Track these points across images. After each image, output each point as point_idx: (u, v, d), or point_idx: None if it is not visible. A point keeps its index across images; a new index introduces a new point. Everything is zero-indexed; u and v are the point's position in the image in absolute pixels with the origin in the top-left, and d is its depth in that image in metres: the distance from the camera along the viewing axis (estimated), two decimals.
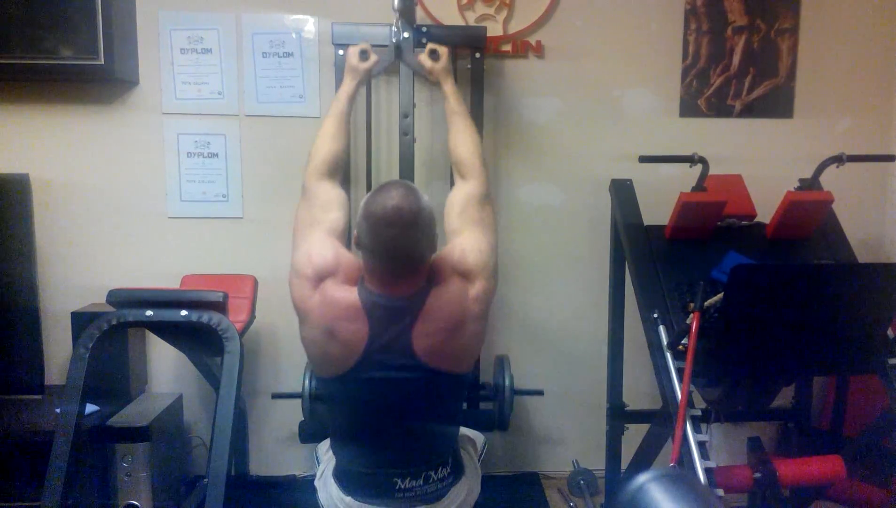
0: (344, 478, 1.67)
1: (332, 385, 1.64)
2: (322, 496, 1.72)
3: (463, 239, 1.68)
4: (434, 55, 2.13)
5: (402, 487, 1.61)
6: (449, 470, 1.67)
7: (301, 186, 1.84)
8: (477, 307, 1.61)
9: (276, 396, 2.38)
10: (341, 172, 1.90)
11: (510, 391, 2.15)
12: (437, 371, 1.57)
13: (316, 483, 1.78)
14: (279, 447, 2.64)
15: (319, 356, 1.62)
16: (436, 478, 1.64)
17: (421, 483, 1.62)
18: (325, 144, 1.87)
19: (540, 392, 2.34)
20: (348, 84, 2.04)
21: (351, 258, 1.64)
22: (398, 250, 1.52)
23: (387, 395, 1.59)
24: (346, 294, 1.56)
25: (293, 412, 2.29)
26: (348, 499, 1.64)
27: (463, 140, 1.92)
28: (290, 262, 1.68)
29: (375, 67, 2.11)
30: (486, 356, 2.50)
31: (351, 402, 1.64)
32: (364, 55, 2.07)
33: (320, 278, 1.59)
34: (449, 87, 2.06)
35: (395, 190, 1.53)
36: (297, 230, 1.74)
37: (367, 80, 2.15)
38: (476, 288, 1.61)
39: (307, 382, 2.10)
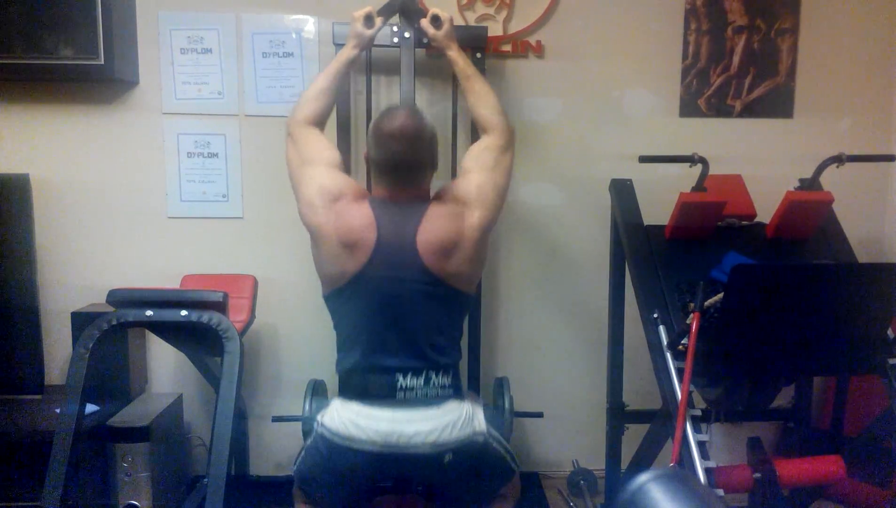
0: (348, 387, 1.74)
1: (341, 294, 1.73)
2: (327, 419, 1.73)
3: (470, 176, 1.82)
4: (436, 22, 2.11)
5: (404, 385, 1.68)
6: (450, 381, 1.74)
7: (287, 133, 1.93)
8: (472, 233, 1.73)
9: (276, 419, 2.37)
10: (324, 125, 1.99)
11: (510, 413, 2.15)
12: (439, 279, 1.69)
13: (318, 418, 1.77)
14: (279, 447, 2.65)
15: (331, 270, 1.73)
16: (437, 382, 1.71)
17: (422, 383, 1.70)
18: (317, 97, 1.96)
19: (539, 415, 2.35)
20: (350, 50, 2.05)
21: (356, 183, 1.83)
22: (403, 162, 1.71)
23: (392, 293, 1.69)
24: (359, 206, 1.73)
25: (294, 413, 2.29)
26: (352, 404, 1.70)
27: (481, 99, 1.98)
28: (298, 197, 1.81)
29: (378, 31, 2.10)
30: (485, 378, 2.51)
31: (358, 303, 1.71)
32: (369, 21, 2.06)
33: (335, 199, 1.74)
34: (454, 52, 2.06)
35: (400, 110, 1.76)
36: (295, 172, 1.86)
37: (369, 46, 2.14)
38: (474, 216, 1.74)
39: (308, 405, 2.10)
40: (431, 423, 1.67)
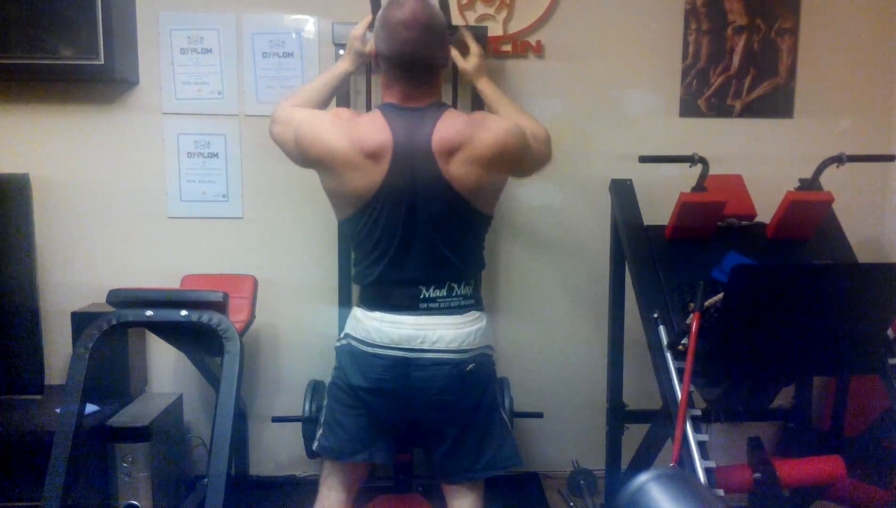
0: (370, 298, 1.72)
1: (364, 211, 1.67)
2: (350, 329, 1.74)
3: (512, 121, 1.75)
4: (462, 49, 2.02)
5: (427, 296, 1.68)
6: (472, 292, 1.73)
7: (273, 121, 1.83)
8: (480, 149, 1.63)
9: (276, 419, 2.37)
10: None
11: (510, 413, 2.15)
12: (456, 191, 1.63)
13: (342, 335, 1.77)
14: (279, 447, 2.65)
15: (357, 187, 1.65)
16: (459, 292, 1.70)
17: (444, 293, 1.69)
18: (306, 103, 1.89)
19: (539, 415, 2.35)
20: (348, 66, 1.98)
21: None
22: (415, 51, 1.63)
23: (412, 204, 1.63)
24: (370, 115, 1.68)
25: (294, 412, 2.29)
26: (375, 313, 1.69)
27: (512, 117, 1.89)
28: (305, 142, 1.70)
29: None
30: None
31: (380, 218, 1.66)
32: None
33: (336, 118, 1.70)
34: (483, 84, 2.00)
35: (410, 0, 1.64)
36: (288, 137, 1.75)
37: (367, 61, 2.04)
38: (488, 138, 1.64)
39: (308, 405, 2.10)
40: (455, 330, 1.67)
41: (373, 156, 1.62)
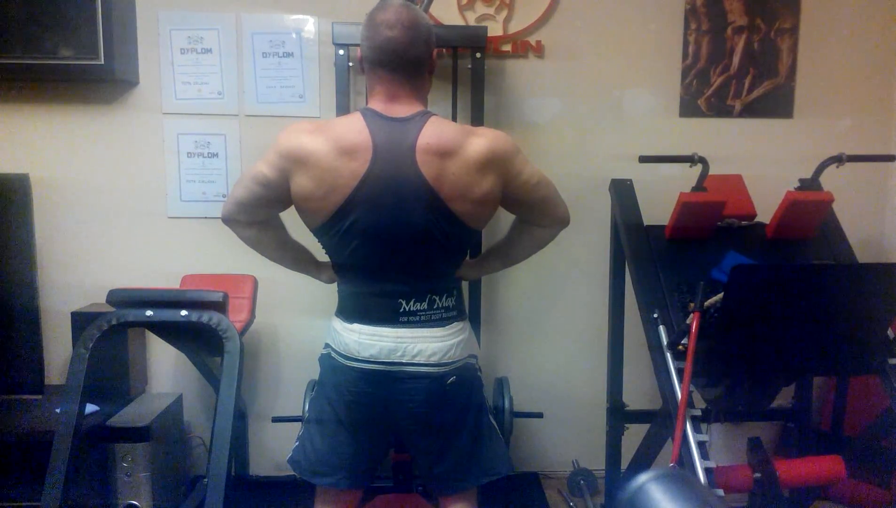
0: (349, 308, 1.68)
1: (337, 220, 1.58)
2: (330, 341, 1.71)
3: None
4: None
5: (407, 310, 1.63)
6: (453, 303, 1.69)
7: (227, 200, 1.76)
8: (468, 164, 1.54)
9: (276, 419, 2.36)
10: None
11: (510, 413, 2.15)
12: (443, 203, 1.54)
13: (322, 351, 1.75)
14: (279, 447, 2.64)
15: (320, 197, 1.56)
16: (440, 304, 1.66)
17: (425, 306, 1.64)
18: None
19: (539, 415, 2.34)
20: (315, 272, 1.91)
21: None
22: (398, 50, 1.56)
23: (391, 214, 1.55)
24: (344, 116, 1.63)
25: (294, 412, 2.29)
26: (354, 325, 1.65)
27: (531, 243, 1.90)
28: (273, 158, 1.60)
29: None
30: (485, 378, 2.49)
31: (355, 228, 1.58)
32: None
33: (309, 125, 1.60)
34: (478, 268, 1.97)
35: (394, 3, 1.60)
36: (252, 177, 1.65)
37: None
38: (477, 141, 1.56)
39: (308, 405, 2.10)
40: (436, 343, 1.63)
41: (348, 153, 1.53)
